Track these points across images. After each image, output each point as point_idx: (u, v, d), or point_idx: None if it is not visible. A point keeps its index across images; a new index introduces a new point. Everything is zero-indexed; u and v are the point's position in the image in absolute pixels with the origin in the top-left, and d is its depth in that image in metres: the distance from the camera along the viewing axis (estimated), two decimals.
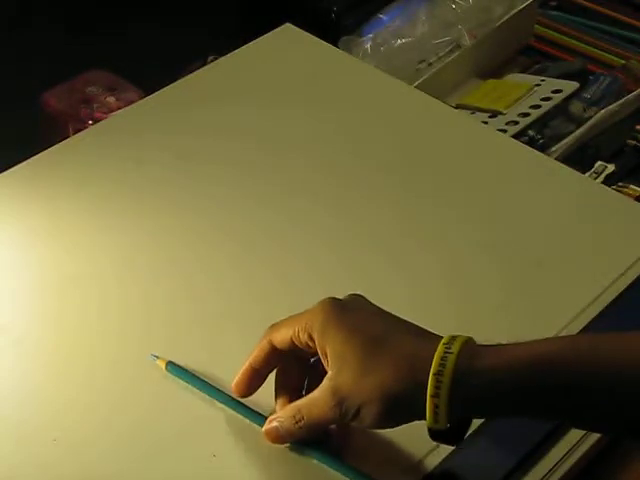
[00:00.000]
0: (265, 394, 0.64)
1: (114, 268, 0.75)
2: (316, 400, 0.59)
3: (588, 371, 0.55)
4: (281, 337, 0.61)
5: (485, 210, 0.81)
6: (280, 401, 0.62)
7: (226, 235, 0.78)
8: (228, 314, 0.71)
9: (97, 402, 0.65)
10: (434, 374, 0.54)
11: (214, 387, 0.65)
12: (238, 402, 0.64)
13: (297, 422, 0.59)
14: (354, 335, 0.58)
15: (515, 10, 1.14)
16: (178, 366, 0.66)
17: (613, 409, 0.55)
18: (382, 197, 0.81)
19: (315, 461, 0.61)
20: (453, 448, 0.61)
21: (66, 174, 0.83)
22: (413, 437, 0.63)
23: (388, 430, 0.61)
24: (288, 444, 0.62)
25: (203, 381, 0.65)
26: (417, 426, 0.59)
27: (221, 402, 0.64)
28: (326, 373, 0.59)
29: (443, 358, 0.55)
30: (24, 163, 0.83)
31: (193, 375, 0.66)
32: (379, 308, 0.61)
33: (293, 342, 0.60)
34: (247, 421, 0.64)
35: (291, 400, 0.61)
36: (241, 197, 0.81)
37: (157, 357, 0.67)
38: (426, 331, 0.59)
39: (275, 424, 0.61)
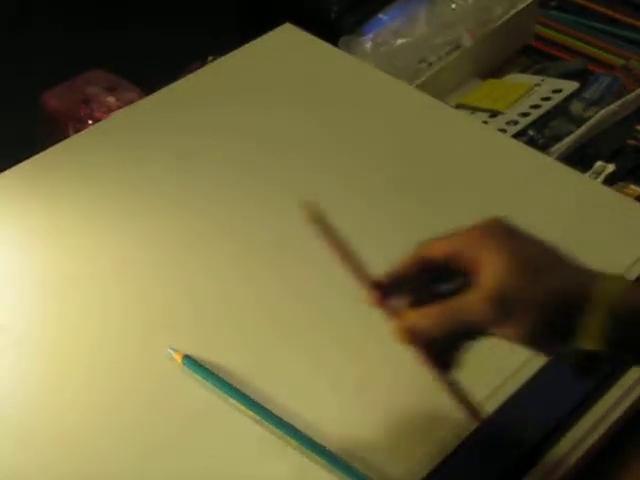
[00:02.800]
0: (275, 392, 0.64)
1: (114, 268, 0.75)
2: (470, 299, 0.57)
3: None
4: (438, 247, 0.59)
5: (485, 210, 0.80)
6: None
7: (226, 235, 0.78)
8: (228, 314, 0.71)
9: (97, 402, 0.65)
10: (599, 296, 0.55)
11: (229, 383, 0.65)
12: (253, 401, 0.64)
13: (443, 320, 0.57)
14: (525, 249, 0.58)
15: (515, 10, 1.13)
16: (195, 361, 0.66)
17: None
18: (381, 196, 0.81)
19: (316, 460, 0.61)
20: (454, 447, 0.62)
21: (66, 174, 0.83)
22: (413, 437, 0.63)
23: (388, 431, 0.61)
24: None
25: (219, 377, 0.66)
26: (417, 426, 0.59)
27: (236, 399, 0.64)
28: None
29: (612, 282, 0.56)
30: (24, 163, 0.83)
31: (210, 371, 0.66)
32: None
33: (449, 252, 0.58)
34: (248, 420, 0.64)
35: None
36: (241, 197, 0.81)
37: (175, 350, 0.67)
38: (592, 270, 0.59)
39: (412, 320, 0.58)
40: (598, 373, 0.58)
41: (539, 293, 0.57)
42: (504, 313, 0.56)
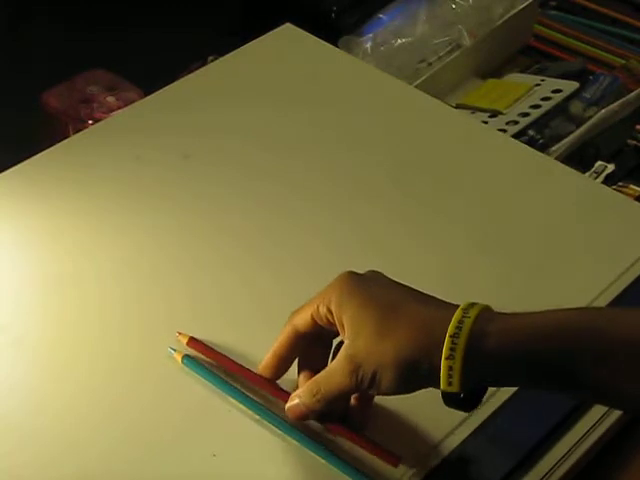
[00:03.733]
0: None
1: (114, 268, 0.75)
2: (333, 371, 0.59)
3: (605, 340, 0.55)
4: (303, 318, 0.61)
5: (485, 210, 0.81)
6: (302, 382, 0.62)
7: (226, 235, 0.78)
8: (227, 314, 0.71)
9: (97, 402, 0.65)
10: (450, 336, 0.55)
11: (229, 382, 0.65)
12: (253, 401, 0.64)
13: (315, 395, 0.59)
14: (370, 302, 0.58)
15: (515, 10, 1.14)
16: (195, 360, 0.66)
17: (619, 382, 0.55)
18: (381, 197, 0.81)
19: (316, 460, 0.61)
20: (454, 447, 0.62)
21: (66, 174, 0.83)
22: (414, 437, 0.63)
23: (387, 432, 0.61)
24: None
25: (219, 376, 0.66)
26: (418, 425, 0.59)
27: (236, 399, 0.65)
28: None
29: (460, 321, 0.55)
30: (24, 163, 0.83)
31: (209, 370, 0.66)
32: (396, 281, 0.61)
33: (314, 321, 0.60)
34: (248, 420, 0.64)
35: None
36: (241, 197, 0.81)
37: (175, 350, 0.67)
38: (443, 301, 0.59)
39: (296, 400, 0.61)
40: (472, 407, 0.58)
41: (396, 337, 0.56)
42: (363, 374, 0.57)
